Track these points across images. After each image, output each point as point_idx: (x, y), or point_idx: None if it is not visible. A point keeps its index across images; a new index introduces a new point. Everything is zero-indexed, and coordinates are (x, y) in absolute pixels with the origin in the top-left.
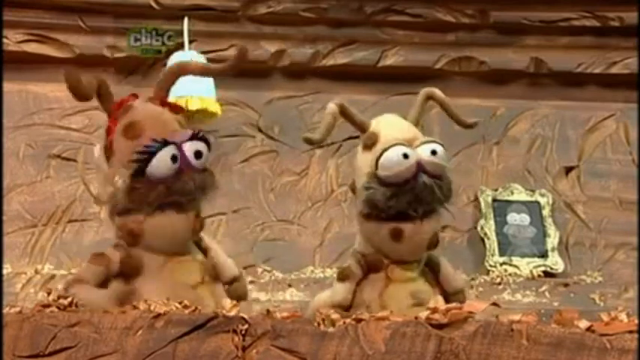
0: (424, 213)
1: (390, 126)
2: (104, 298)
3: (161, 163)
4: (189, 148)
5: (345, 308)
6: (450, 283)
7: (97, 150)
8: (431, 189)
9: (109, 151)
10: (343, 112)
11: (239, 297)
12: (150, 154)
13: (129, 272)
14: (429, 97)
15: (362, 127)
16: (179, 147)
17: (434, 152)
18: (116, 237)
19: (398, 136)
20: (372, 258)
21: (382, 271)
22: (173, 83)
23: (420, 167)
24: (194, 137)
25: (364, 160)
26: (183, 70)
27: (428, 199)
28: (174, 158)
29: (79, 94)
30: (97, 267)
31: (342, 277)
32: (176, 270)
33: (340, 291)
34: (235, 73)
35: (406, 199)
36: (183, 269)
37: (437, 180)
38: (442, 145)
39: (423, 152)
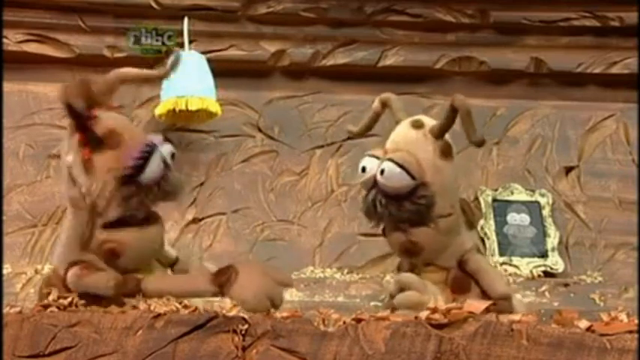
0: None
1: (392, 134)
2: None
3: (155, 167)
4: (165, 150)
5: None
6: (493, 289)
7: (75, 164)
8: (373, 207)
9: (87, 162)
10: (386, 104)
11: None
12: (145, 159)
13: None
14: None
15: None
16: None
17: (382, 171)
18: (88, 254)
19: (385, 145)
20: None
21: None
22: (115, 91)
23: (375, 182)
24: (166, 140)
25: None
26: (122, 78)
27: (374, 215)
28: (164, 161)
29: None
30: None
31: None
32: None
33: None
34: (235, 73)
35: (364, 209)
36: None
37: (386, 198)
38: (399, 164)
39: (378, 169)
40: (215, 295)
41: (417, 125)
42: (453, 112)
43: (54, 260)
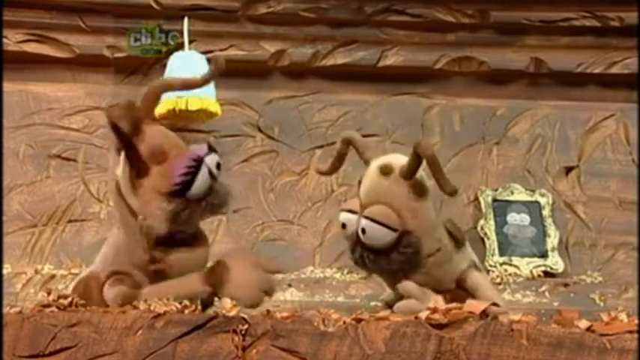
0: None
1: (362, 183)
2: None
3: (202, 182)
4: (211, 161)
5: None
6: None
7: (124, 181)
8: (362, 263)
9: (137, 181)
10: (350, 143)
11: None
12: (192, 175)
13: None
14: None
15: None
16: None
17: (363, 231)
18: (133, 267)
19: (357, 200)
20: None
21: None
22: (158, 100)
23: (358, 238)
24: (211, 149)
25: None
26: (165, 87)
27: (365, 269)
28: (211, 174)
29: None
30: None
31: None
32: None
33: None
34: (235, 73)
35: (353, 261)
36: None
37: (373, 254)
38: (378, 221)
39: (359, 227)
40: (210, 294)
41: (386, 172)
42: (418, 157)
43: (96, 264)
